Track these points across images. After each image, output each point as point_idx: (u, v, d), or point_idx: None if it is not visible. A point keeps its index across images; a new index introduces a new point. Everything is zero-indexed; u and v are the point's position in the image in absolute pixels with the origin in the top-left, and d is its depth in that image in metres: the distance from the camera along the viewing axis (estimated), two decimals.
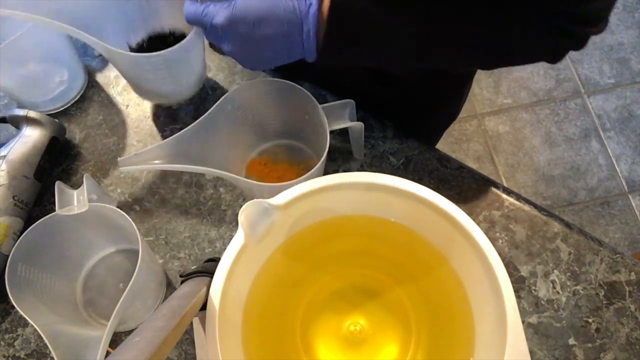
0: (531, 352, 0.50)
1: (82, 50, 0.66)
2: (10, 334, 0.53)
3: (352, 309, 0.47)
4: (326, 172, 0.58)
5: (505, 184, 1.38)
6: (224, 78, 0.64)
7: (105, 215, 0.48)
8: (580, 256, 0.55)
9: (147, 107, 0.63)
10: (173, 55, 0.49)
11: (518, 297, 0.53)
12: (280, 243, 0.43)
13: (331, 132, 0.49)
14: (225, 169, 0.48)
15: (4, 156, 0.54)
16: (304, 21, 0.43)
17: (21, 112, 0.56)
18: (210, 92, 0.63)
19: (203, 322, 0.36)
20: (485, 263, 0.37)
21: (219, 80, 0.64)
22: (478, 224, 0.38)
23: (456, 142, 1.57)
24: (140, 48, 0.59)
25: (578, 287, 0.54)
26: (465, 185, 0.58)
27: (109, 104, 0.64)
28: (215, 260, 0.40)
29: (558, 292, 0.53)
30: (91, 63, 0.66)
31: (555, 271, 0.54)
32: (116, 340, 0.52)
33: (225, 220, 0.57)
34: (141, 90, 0.59)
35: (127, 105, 0.63)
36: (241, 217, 0.36)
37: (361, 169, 0.59)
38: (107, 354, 0.42)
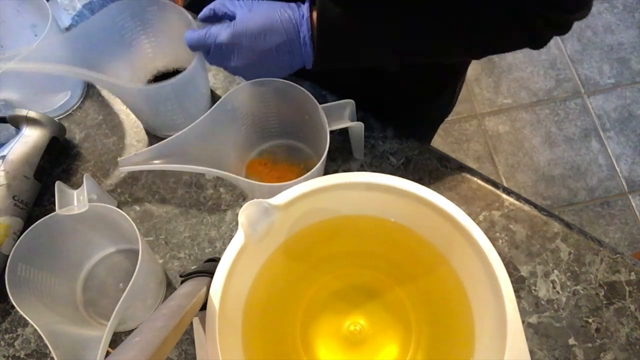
0: (531, 352, 0.50)
1: None
2: (10, 334, 0.53)
3: (352, 309, 0.47)
4: (326, 172, 0.58)
5: (505, 184, 1.38)
6: (224, 78, 0.64)
7: (105, 215, 0.48)
8: (580, 256, 0.55)
9: None
10: (180, 83, 0.51)
11: (518, 297, 0.53)
12: (280, 243, 0.43)
13: (331, 132, 0.49)
14: (226, 169, 0.48)
15: (4, 156, 0.54)
16: (300, 29, 0.46)
17: (21, 112, 0.56)
18: (210, 92, 0.63)
19: (203, 322, 0.36)
20: (485, 263, 0.37)
21: (219, 80, 0.64)
22: (478, 224, 0.38)
23: (456, 142, 1.57)
24: None
25: (578, 287, 0.54)
26: (465, 185, 0.58)
27: (109, 104, 0.64)
28: (215, 260, 0.40)
29: (558, 292, 0.53)
30: None
31: (555, 271, 0.54)
32: (116, 340, 0.52)
33: (225, 220, 0.57)
34: (154, 125, 0.60)
35: None
36: (241, 217, 0.36)
37: (361, 169, 0.59)
38: (107, 354, 0.42)
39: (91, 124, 0.62)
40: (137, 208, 0.58)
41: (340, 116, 0.51)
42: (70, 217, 0.48)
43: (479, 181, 0.58)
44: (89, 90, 0.64)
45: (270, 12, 0.46)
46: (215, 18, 0.50)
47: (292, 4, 0.47)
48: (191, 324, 0.38)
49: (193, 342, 0.52)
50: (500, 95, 1.63)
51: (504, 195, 0.57)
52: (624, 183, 1.51)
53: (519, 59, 1.67)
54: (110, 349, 0.43)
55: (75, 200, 0.49)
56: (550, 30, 0.47)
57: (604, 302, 0.53)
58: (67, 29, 0.66)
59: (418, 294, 0.46)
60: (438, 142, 1.55)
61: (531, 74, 1.65)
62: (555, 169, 1.53)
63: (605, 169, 1.53)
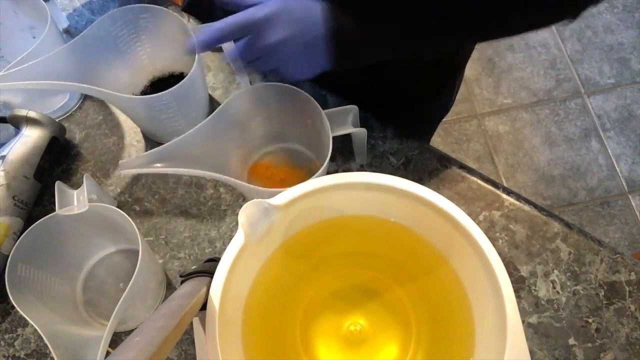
0: (531, 352, 0.50)
1: None
2: (10, 334, 0.53)
3: (352, 309, 0.47)
4: (326, 172, 0.58)
5: (505, 184, 1.38)
6: (224, 78, 0.64)
7: (105, 215, 0.48)
8: (580, 256, 0.55)
9: None
10: (181, 90, 0.51)
11: (518, 297, 0.53)
12: (280, 243, 0.43)
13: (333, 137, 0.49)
14: (227, 172, 0.48)
15: (4, 156, 0.54)
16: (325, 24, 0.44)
17: (21, 112, 0.56)
18: (210, 92, 0.63)
19: (203, 322, 0.36)
20: (485, 263, 0.37)
21: (219, 80, 0.64)
22: (478, 224, 0.38)
23: (456, 142, 1.57)
24: (145, 94, 0.61)
25: (578, 287, 0.53)
26: (465, 185, 0.58)
27: (109, 105, 0.64)
28: (215, 260, 0.40)
29: (558, 292, 0.53)
30: None
31: (555, 271, 0.54)
32: (116, 340, 0.52)
33: (225, 220, 0.57)
34: (155, 132, 0.60)
35: None
36: (241, 217, 0.36)
37: (361, 169, 0.59)
38: (107, 354, 0.42)
39: (91, 124, 0.62)
40: (137, 208, 0.58)
41: (344, 122, 0.51)
42: (70, 217, 0.48)
43: (479, 181, 0.58)
44: None
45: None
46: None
47: None
48: (191, 324, 0.38)
49: (193, 342, 0.52)
50: (500, 95, 1.63)
51: (504, 195, 0.57)
52: (624, 183, 1.51)
53: (519, 59, 1.67)
54: (110, 349, 0.43)
55: (75, 200, 0.49)
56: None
57: (604, 302, 0.53)
58: (66, 30, 0.66)
59: (418, 294, 0.46)
60: (438, 142, 1.55)
61: (531, 74, 1.65)
62: (555, 169, 1.53)
63: (605, 169, 1.53)
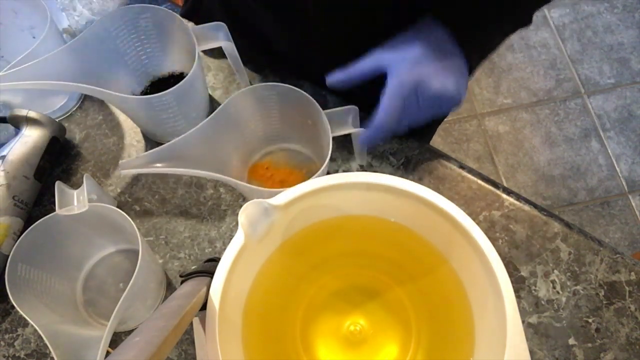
0: (531, 352, 0.50)
1: None
2: (10, 334, 0.53)
3: (352, 309, 0.47)
4: (326, 172, 0.58)
5: (505, 184, 1.38)
6: (224, 78, 0.64)
7: (105, 215, 0.48)
8: (580, 256, 0.55)
9: None
10: (181, 90, 0.51)
11: (518, 297, 0.53)
12: (281, 243, 0.43)
13: (333, 137, 0.49)
14: (227, 172, 0.48)
15: (4, 156, 0.54)
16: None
17: (21, 112, 0.56)
18: (210, 92, 0.63)
19: (203, 322, 0.36)
20: (485, 263, 0.37)
21: (219, 80, 0.64)
22: (478, 224, 0.38)
23: (456, 142, 1.57)
24: (145, 94, 0.61)
25: (578, 287, 0.54)
26: (465, 185, 0.58)
27: (109, 104, 0.64)
28: (215, 260, 0.40)
29: (558, 292, 0.53)
30: None
31: (555, 271, 0.54)
32: (116, 340, 0.52)
33: (225, 220, 0.57)
34: (155, 132, 0.60)
35: None
36: (241, 217, 0.36)
37: (361, 169, 0.59)
38: (107, 354, 0.42)
39: (91, 124, 0.62)
40: (137, 208, 0.58)
41: (344, 122, 0.51)
42: (70, 217, 0.48)
43: (479, 181, 0.58)
44: None
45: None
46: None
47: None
48: (191, 324, 0.38)
49: (193, 342, 0.52)
50: (500, 95, 1.63)
51: (504, 195, 0.57)
52: (624, 183, 1.51)
53: (519, 59, 1.67)
54: (110, 349, 0.43)
55: (75, 200, 0.49)
56: None
57: (604, 302, 0.53)
58: (66, 30, 0.66)
59: (418, 294, 0.46)
60: (438, 142, 1.55)
61: (531, 74, 1.65)
62: (555, 169, 1.53)
63: (605, 169, 1.53)
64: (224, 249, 0.37)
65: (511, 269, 0.54)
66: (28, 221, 0.55)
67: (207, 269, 0.39)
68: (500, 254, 0.37)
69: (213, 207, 0.58)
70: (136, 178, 0.59)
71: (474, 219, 0.38)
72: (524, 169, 1.53)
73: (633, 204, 1.49)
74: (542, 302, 0.53)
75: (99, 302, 0.54)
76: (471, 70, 0.51)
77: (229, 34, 0.54)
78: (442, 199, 0.39)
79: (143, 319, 0.52)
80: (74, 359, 0.43)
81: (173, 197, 0.58)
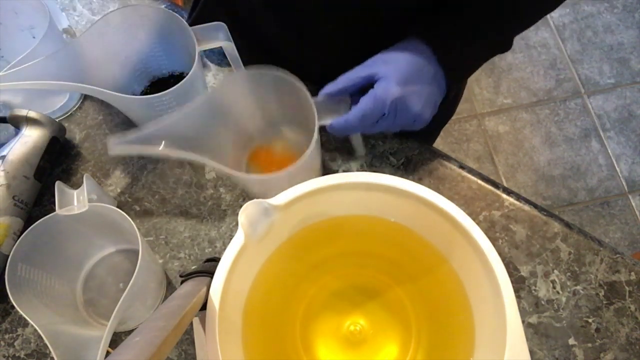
0: (531, 352, 0.50)
1: None
2: (10, 334, 0.53)
3: (352, 309, 0.47)
4: (326, 172, 0.58)
5: (505, 184, 1.38)
6: (224, 78, 0.64)
7: (105, 215, 0.48)
8: (580, 256, 0.55)
9: None
10: (181, 89, 0.51)
11: (518, 297, 0.53)
12: (281, 243, 0.43)
13: (327, 129, 0.49)
14: (223, 159, 0.47)
15: (4, 156, 0.54)
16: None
17: (21, 112, 0.56)
18: (211, 91, 0.63)
19: (203, 322, 0.36)
20: (485, 263, 0.37)
21: (219, 80, 0.64)
22: (478, 224, 0.38)
23: (456, 142, 1.57)
24: (145, 94, 0.61)
25: (578, 287, 0.54)
26: (465, 185, 0.58)
27: (109, 104, 0.64)
28: (215, 260, 0.40)
29: (558, 292, 0.53)
30: None
31: (555, 271, 0.54)
32: (116, 340, 0.52)
33: (225, 220, 0.57)
34: None
35: None
36: (241, 217, 0.36)
37: (361, 169, 0.59)
38: (107, 354, 0.42)
39: (91, 124, 0.62)
40: (137, 208, 0.58)
41: (335, 110, 0.51)
42: (70, 217, 0.48)
43: (479, 181, 0.58)
44: None
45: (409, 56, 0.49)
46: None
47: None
48: (191, 324, 0.38)
49: (193, 342, 0.52)
50: (500, 95, 1.63)
51: (504, 195, 0.57)
52: (624, 183, 1.51)
53: (519, 59, 1.67)
54: (110, 349, 0.43)
55: (75, 200, 0.49)
56: None
57: (604, 302, 0.53)
58: (66, 30, 0.66)
59: (418, 294, 0.46)
60: (438, 142, 1.55)
61: (531, 74, 1.65)
62: (555, 169, 1.53)
63: (605, 169, 1.53)
64: (224, 249, 0.37)
65: (511, 269, 0.54)
66: (28, 221, 0.55)
67: (207, 269, 0.39)
68: (500, 254, 0.37)
69: (213, 207, 0.58)
70: (136, 178, 0.59)
71: (474, 219, 0.38)
72: (524, 169, 1.53)
73: (633, 204, 1.49)
74: (542, 302, 0.53)
75: (99, 302, 0.54)
76: (448, 90, 0.53)
77: (229, 34, 0.54)
78: (442, 199, 0.39)
79: (143, 319, 0.52)
80: (74, 359, 0.43)
81: (173, 197, 0.58)
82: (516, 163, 1.54)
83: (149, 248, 0.51)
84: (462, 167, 0.59)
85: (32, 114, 0.56)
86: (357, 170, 0.58)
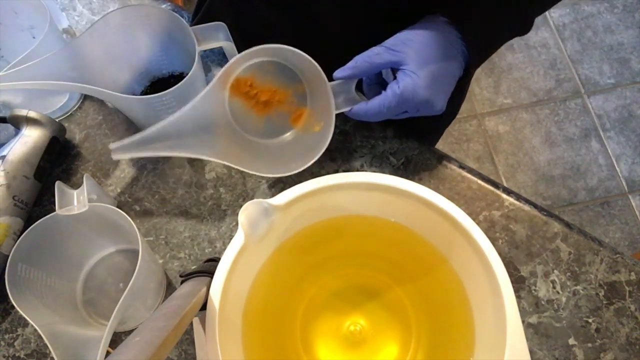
0: (531, 352, 0.50)
1: None
2: (10, 334, 0.53)
3: (352, 309, 0.47)
4: (326, 172, 0.58)
5: (505, 184, 1.38)
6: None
7: (105, 215, 0.48)
8: (580, 256, 0.55)
9: None
10: (181, 90, 0.51)
11: (518, 297, 0.53)
12: (281, 243, 0.43)
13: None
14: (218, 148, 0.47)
15: (4, 156, 0.54)
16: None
17: (21, 112, 0.56)
18: None
19: (203, 322, 0.36)
20: (485, 263, 0.37)
21: None
22: (478, 224, 0.38)
23: (456, 142, 1.57)
24: (145, 94, 0.61)
25: (578, 287, 0.54)
26: (465, 185, 0.58)
27: (109, 104, 0.64)
28: (215, 260, 0.40)
29: (558, 292, 0.53)
30: None
31: (555, 271, 0.54)
32: (116, 340, 0.52)
33: (225, 220, 0.57)
34: None
35: None
36: (241, 217, 0.36)
37: (361, 169, 0.59)
38: (107, 354, 0.42)
39: (91, 124, 0.62)
40: (137, 208, 0.58)
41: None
42: (70, 217, 0.48)
43: (479, 181, 0.58)
44: None
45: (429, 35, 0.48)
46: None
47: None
48: (191, 324, 0.38)
49: (193, 342, 0.52)
50: (500, 95, 1.63)
51: (504, 195, 0.57)
52: (624, 183, 1.51)
53: (519, 59, 1.67)
54: (110, 349, 0.43)
55: (75, 200, 0.49)
56: None
57: (604, 302, 0.53)
58: (66, 30, 0.66)
59: (418, 294, 0.46)
60: (438, 142, 1.55)
61: (531, 74, 1.65)
62: (555, 169, 1.53)
63: (605, 169, 1.53)
64: (224, 249, 0.37)
65: (511, 269, 0.54)
66: (28, 221, 0.55)
67: (207, 269, 0.39)
68: (500, 254, 0.37)
69: (213, 207, 0.58)
70: (136, 178, 0.59)
71: (474, 219, 0.38)
72: (524, 169, 1.53)
73: (633, 204, 1.49)
74: (542, 302, 0.53)
75: (99, 302, 0.54)
76: (467, 72, 0.52)
77: (229, 34, 0.54)
78: (442, 199, 0.39)
79: (143, 319, 0.52)
80: (74, 359, 0.43)
81: (173, 197, 0.58)
82: (516, 163, 1.54)
83: (149, 248, 0.51)
84: (462, 167, 0.59)
85: (32, 114, 0.56)
86: (357, 170, 0.58)
